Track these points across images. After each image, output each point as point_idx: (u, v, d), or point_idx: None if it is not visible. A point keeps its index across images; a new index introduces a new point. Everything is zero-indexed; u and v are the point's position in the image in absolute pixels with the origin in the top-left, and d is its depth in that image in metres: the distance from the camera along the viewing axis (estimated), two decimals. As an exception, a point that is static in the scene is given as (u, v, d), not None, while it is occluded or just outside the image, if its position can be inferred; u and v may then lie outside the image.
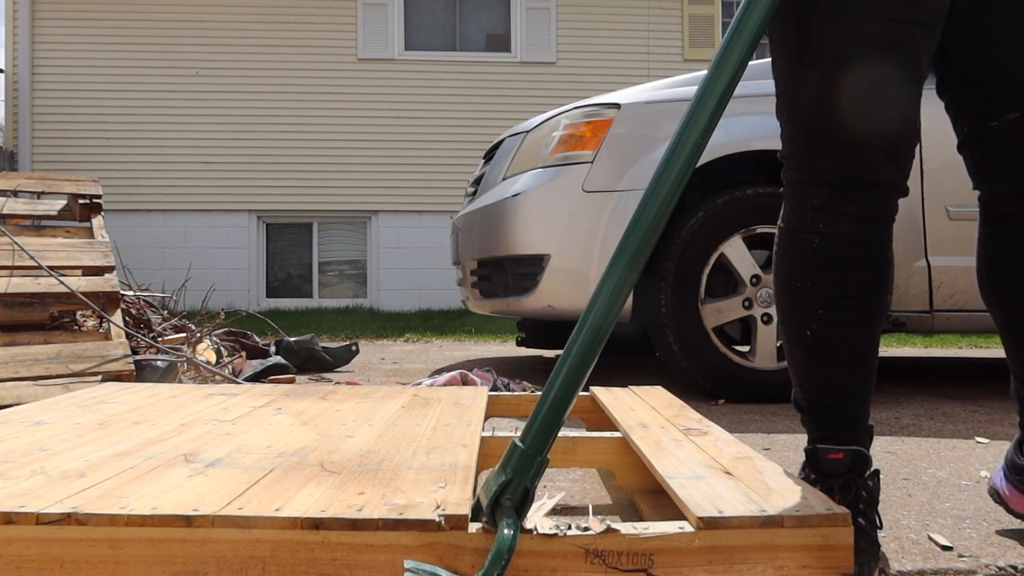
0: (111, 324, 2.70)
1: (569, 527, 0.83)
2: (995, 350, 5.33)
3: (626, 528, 0.83)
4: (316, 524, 0.80)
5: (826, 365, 1.20)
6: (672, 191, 0.88)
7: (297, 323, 6.70)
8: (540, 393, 1.95)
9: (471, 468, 1.04)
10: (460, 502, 0.86)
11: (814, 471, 1.18)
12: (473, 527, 0.83)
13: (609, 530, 0.82)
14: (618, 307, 0.88)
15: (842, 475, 1.15)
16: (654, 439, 1.30)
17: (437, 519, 0.81)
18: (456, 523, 0.81)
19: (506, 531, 0.79)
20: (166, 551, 0.79)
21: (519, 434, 0.88)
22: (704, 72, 3.04)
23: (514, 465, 0.84)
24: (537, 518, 0.85)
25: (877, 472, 1.19)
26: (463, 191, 4.22)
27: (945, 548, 1.20)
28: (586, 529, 0.83)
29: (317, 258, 9.10)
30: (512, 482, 0.83)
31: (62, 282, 2.69)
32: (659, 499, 1.33)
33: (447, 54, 8.99)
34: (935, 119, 2.80)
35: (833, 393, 1.21)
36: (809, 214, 1.18)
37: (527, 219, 2.83)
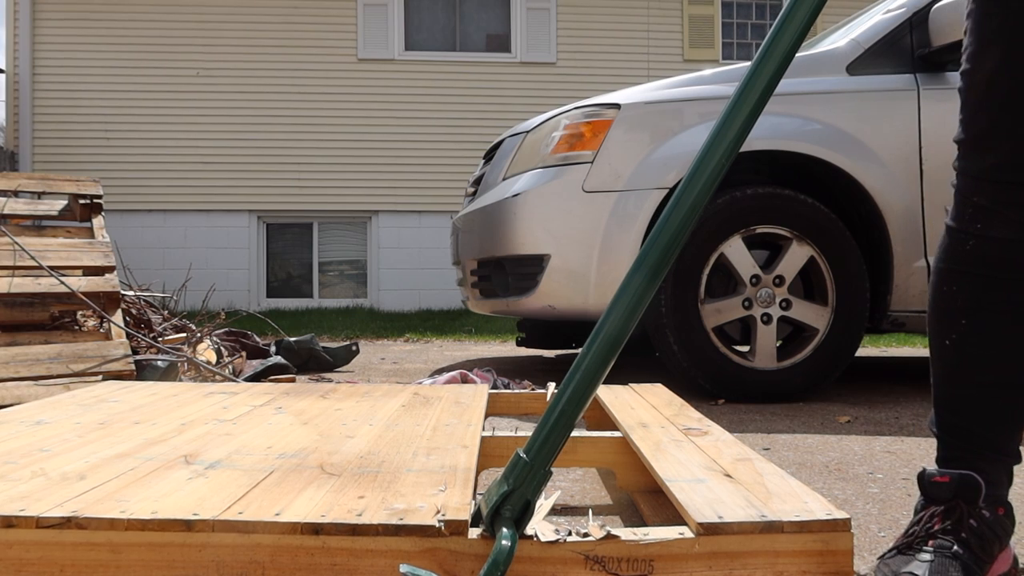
0: (112, 324, 2.70)
1: (569, 533, 0.83)
2: (995, 349, 5.32)
3: (626, 534, 0.83)
4: (316, 529, 0.80)
5: (961, 381, 1.09)
6: (697, 202, 0.86)
7: (297, 323, 6.70)
8: (541, 391, 1.96)
9: (471, 470, 1.04)
10: (460, 507, 0.86)
11: (921, 494, 1.08)
12: (473, 532, 0.83)
13: (609, 536, 0.82)
14: (634, 321, 0.85)
15: (946, 501, 1.04)
16: (654, 439, 1.30)
17: (437, 524, 0.81)
18: (456, 528, 0.81)
19: (504, 542, 0.79)
20: (166, 555, 0.80)
21: (523, 443, 0.87)
22: (707, 71, 3.02)
23: (516, 477, 0.83)
24: (537, 522, 0.85)
25: (1008, 505, 1.07)
26: (463, 191, 4.22)
27: (945, 549, 1.20)
28: (586, 535, 0.82)
29: (317, 258, 9.10)
30: (513, 493, 0.82)
31: (63, 282, 2.69)
32: (659, 499, 1.33)
33: (447, 54, 8.99)
34: (935, 119, 2.81)
35: (963, 412, 1.09)
36: (969, 211, 1.08)
37: (527, 219, 2.83)
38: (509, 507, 0.82)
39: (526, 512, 0.83)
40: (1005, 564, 1.09)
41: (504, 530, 0.80)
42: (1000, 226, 1.05)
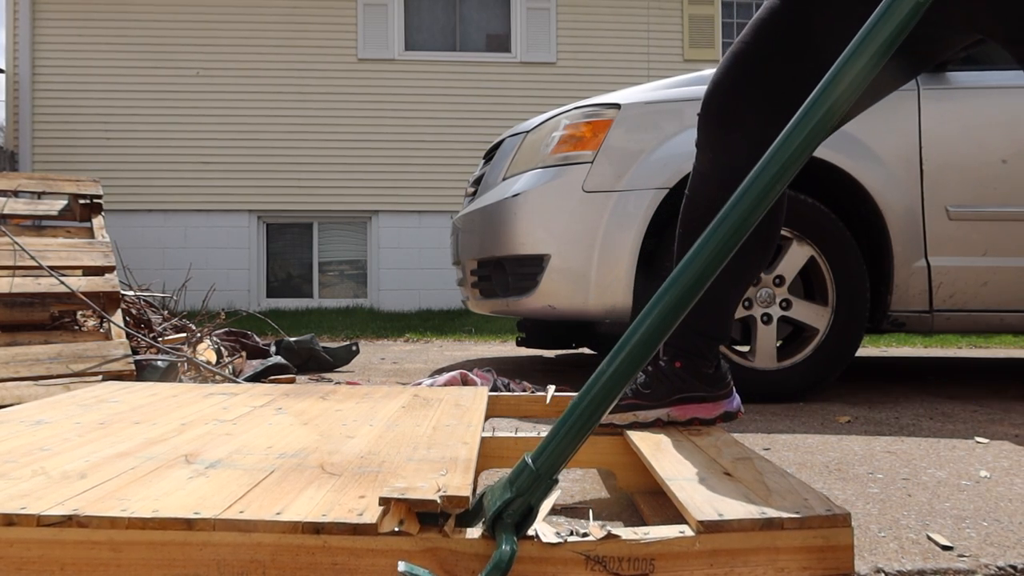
0: (111, 324, 2.70)
1: (570, 533, 0.83)
2: (995, 350, 5.33)
3: (626, 533, 0.83)
4: (317, 528, 0.80)
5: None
6: (740, 226, 0.81)
7: (297, 323, 6.70)
8: (540, 393, 1.96)
9: (472, 460, 1.04)
10: (461, 486, 0.86)
11: None
12: (473, 531, 0.83)
13: (609, 536, 0.82)
14: (659, 341, 0.83)
15: None
16: (654, 439, 1.30)
17: (437, 499, 0.81)
18: (457, 504, 0.82)
19: (505, 547, 0.79)
20: (167, 554, 0.80)
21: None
22: (707, 71, 3.01)
23: (521, 484, 0.83)
24: (537, 523, 0.85)
25: (692, 362, 1.44)
26: (463, 191, 4.22)
27: (945, 548, 1.20)
28: (586, 535, 0.82)
29: (317, 258, 9.11)
30: (517, 500, 0.82)
31: (63, 282, 2.69)
32: (659, 499, 1.33)
33: (447, 54, 8.99)
34: (936, 119, 2.81)
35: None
36: None
37: (527, 219, 2.83)
38: (511, 512, 0.82)
39: (528, 517, 0.83)
40: (708, 412, 1.47)
41: (505, 536, 0.80)
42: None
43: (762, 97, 1.43)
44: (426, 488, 0.85)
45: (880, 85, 1.42)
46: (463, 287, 3.49)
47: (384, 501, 0.80)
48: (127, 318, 3.08)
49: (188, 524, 0.80)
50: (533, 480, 0.83)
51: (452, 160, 8.74)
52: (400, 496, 0.81)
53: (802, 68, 1.39)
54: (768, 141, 1.42)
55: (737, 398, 1.53)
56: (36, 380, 2.39)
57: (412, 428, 1.33)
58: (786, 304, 2.71)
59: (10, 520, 0.80)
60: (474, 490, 0.98)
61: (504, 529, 0.81)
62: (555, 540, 0.82)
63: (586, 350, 4.78)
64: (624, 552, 0.82)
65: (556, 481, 0.85)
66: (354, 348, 3.95)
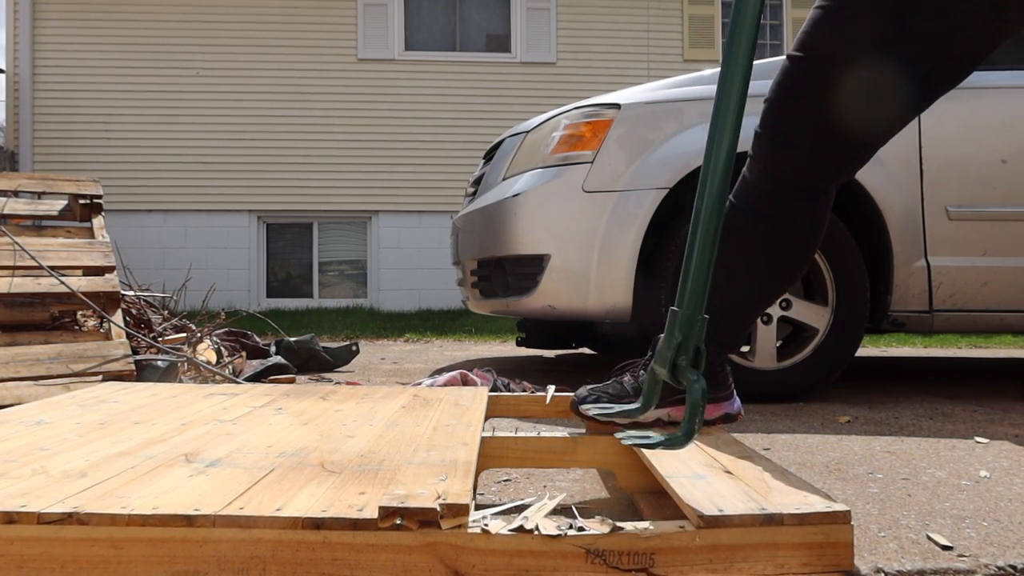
0: (112, 324, 2.70)
1: (570, 526, 0.83)
2: (995, 350, 5.33)
3: (627, 527, 0.83)
4: (317, 524, 0.80)
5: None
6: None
7: (297, 323, 6.70)
8: (540, 394, 1.96)
9: (472, 463, 1.04)
10: (461, 492, 0.87)
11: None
12: (473, 528, 0.83)
13: (610, 530, 0.82)
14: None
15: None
16: (654, 439, 1.30)
17: (437, 507, 0.81)
18: (457, 511, 0.82)
19: (696, 386, 0.86)
20: (167, 551, 0.80)
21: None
22: (707, 71, 3.01)
23: (680, 326, 0.92)
24: (538, 519, 0.86)
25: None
26: (463, 191, 4.23)
27: (945, 548, 1.20)
28: (581, 529, 0.83)
29: (317, 258, 9.11)
30: (683, 343, 0.91)
31: (63, 282, 2.69)
32: (659, 500, 1.33)
33: (447, 54, 9.00)
34: (935, 119, 2.81)
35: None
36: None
37: (527, 219, 2.83)
38: (683, 356, 0.91)
39: (699, 356, 0.91)
40: (708, 413, 1.46)
41: (689, 376, 0.89)
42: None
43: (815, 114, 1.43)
44: (426, 495, 0.85)
45: (933, 92, 1.39)
46: (463, 287, 3.49)
47: (384, 510, 0.80)
48: (127, 318, 3.08)
49: (188, 521, 0.80)
50: (687, 320, 0.92)
51: (452, 160, 8.74)
52: (400, 505, 0.81)
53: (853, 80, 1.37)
54: (818, 156, 1.42)
55: (738, 400, 1.53)
56: (36, 380, 2.39)
57: (412, 428, 1.33)
58: (786, 304, 2.71)
59: (10, 518, 0.81)
60: (474, 493, 0.98)
61: (685, 372, 0.89)
62: (555, 533, 0.82)
63: (586, 350, 4.78)
64: (624, 546, 0.82)
65: (706, 318, 0.93)
66: (354, 348, 3.95)
